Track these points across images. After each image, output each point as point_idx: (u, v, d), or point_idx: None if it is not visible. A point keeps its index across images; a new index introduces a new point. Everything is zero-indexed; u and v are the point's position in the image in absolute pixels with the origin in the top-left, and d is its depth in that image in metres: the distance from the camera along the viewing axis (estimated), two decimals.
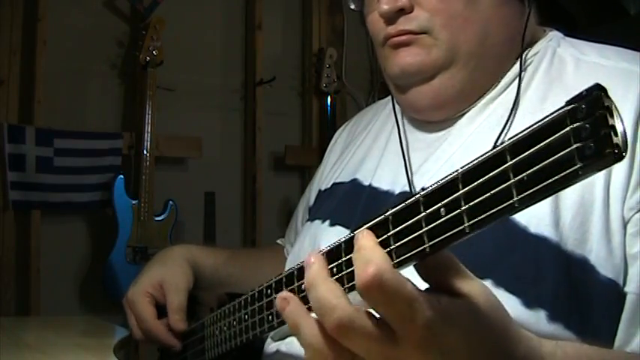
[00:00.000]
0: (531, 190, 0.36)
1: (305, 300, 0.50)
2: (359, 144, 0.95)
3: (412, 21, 0.75)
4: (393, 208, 0.46)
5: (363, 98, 3.00)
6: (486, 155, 0.40)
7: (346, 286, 0.49)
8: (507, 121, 0.72)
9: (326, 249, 0.52)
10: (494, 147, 0.39)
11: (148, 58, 2.34)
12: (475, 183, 0.40)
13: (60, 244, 2.31)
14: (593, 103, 0.33)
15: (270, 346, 0.85)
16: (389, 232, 0.46)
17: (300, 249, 0.88)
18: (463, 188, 0.41)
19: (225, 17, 2.78)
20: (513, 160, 0.37)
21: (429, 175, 0.76)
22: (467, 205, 0.40)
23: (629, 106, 0.66)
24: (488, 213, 0.39)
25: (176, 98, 2.51)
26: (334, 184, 0.92)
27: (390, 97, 0.89)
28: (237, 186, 2.75)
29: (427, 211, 0.43)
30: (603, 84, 0.34)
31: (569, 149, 0.34)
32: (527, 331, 0.52)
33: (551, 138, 0.35)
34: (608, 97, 0.34)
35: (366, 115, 1.01)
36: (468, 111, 0.78)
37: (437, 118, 0.80)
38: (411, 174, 0.79)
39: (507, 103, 0.74)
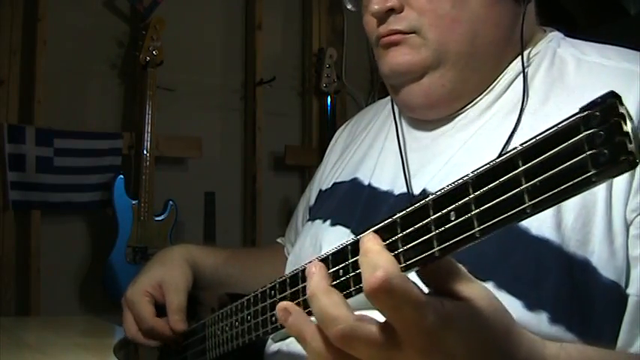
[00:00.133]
0: (544, 196, 0.36)
1: (308, 304, 0.50)
2: (359, 143, 0.94)
3: (402, 21, 0.75)
4: (401, 211, 0.46)
5: (363, 98, 3.01)
6: (498, 160, 0.40)
7: (352, 289, 0.49)
8: (517, 121, 0.72)
9: (331, 251, 0.52)
10: (503, 152, 0.39)
11: (148, 58, 2.34)
12: (486, 187, 0.40)
13: (60, 244, 2.31)
14: (608, 111, 0.33)
15: (272, 346, 0.85)
16: (397, 234, 0.46)
17: (301, 249, 0.88)
18: (474, 192, 0.41)
19: (225, 17, 2.78)
20: (525, 166, 0.37)
21: (429, 176, 0.76)
22: (477, 210, 0.40)
23: (630, 106, 0.65)
24: (499, 218, 0.39)
25: (176, 98, 2.52)
26: (335, 184, 0.92)
27: (390, 97, 0.90)
28: (237, 186, 2.75)
29: (436, 215, 0.43)
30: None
31: (583, 156, 0.34)
32: (530, 334, 0.52)
33: (565, 144, 0.35)
34: (622, 104, 0.34)
35: (367, 115, 1.01)
36: (467, 110, 0.78)
37: (431, 117, 0.80)
38: (409, 174, 0.79)
39: (509, 104, 0.74)
